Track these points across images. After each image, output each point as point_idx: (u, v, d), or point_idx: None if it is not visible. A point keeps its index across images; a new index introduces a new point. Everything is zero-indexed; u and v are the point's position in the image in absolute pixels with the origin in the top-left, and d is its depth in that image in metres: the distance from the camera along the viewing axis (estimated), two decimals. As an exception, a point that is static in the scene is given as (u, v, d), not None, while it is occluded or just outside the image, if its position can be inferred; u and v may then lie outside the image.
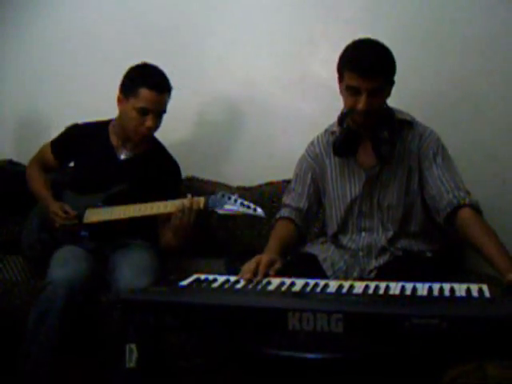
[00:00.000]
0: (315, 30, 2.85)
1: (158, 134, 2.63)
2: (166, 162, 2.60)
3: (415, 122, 2.22)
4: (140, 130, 2.42)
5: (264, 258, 1.96)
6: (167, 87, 2.43)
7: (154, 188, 2.44)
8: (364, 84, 2.01)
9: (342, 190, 2.24)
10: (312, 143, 2.34)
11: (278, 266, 1.95)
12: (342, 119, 2.19)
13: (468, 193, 2.10)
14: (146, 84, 2.37)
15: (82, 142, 2.56)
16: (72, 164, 2.65)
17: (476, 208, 2.06)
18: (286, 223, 2.28)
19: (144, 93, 2.37)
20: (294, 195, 2.32)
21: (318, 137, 2.34)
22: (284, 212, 2.30)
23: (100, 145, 2.52)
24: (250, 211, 2.20)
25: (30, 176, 2.66)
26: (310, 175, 2.31)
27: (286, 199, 2.34)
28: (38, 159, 2.69)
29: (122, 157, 2.51)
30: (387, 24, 2.70)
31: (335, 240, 2.30)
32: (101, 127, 2.57)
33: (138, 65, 2.45)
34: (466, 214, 2.04)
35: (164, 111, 2.45)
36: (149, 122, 2.40)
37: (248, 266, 1.92)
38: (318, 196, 2.33)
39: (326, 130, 2.32)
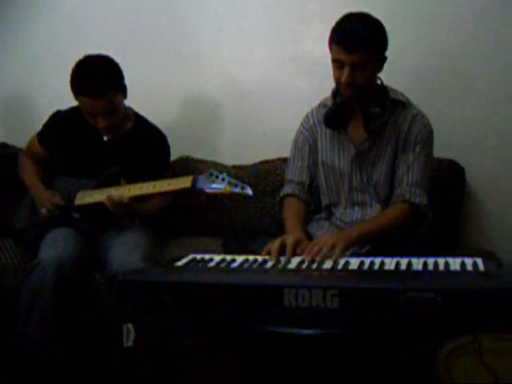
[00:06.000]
0: (308, 7, 2.82)
1: (152, 114, 2.63)
2: (151, 135, 2.59)
3: (409, 103, 2.22)
4: (98, 128, 2.41)
5: (290, 237, 1.96)
6: (100, 92, 2.31)
7: (144, 163, 2.45)
8: (347, 57, 2.03)
9: (331, 161, 2.26)
10: (306, 116, 2.35)
11: (305, 245, 1.96)
12: (335, 93, 2.21)
13: (424, 193, 2.14)
14: (80, 91, 2.34)
15: (66, 127, 2.56)
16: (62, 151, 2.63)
17: (416, 208, 2.12)
18: (293, 200, 2.28)
19: (81, 99, 2.36)
20: (294, 169, 2.33)
21: (312, 110, 2.35)
22: (288, 188, 2.31)
23: (84, 128, 2.50)
24: (238, 189, 2.18)
25: (21, 167, 2.68)
26: (307, 147, 2.31)
27: (288, 174, 2.35)
28: (28, 151, 2.70)
29: (105, 138, 2.48)
30: (381, 1, 2.68)
31: (328, 213, 2.32)
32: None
33: (76, 64, 2.39)
34: (400, 206, 2.13)
35: (111, 111, 2.38)
36: (99, 124, 2.39)
37: (273, 247, 1.92)
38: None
39: (319, 104, 2.33)
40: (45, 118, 2.63)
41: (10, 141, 3.02)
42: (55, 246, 2.30)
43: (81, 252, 2.35)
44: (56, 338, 2.22)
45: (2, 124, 3.19)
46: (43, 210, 2.46)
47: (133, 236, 2.41)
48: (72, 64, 2.39)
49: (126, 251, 2.29)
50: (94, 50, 2.43)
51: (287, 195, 2.29)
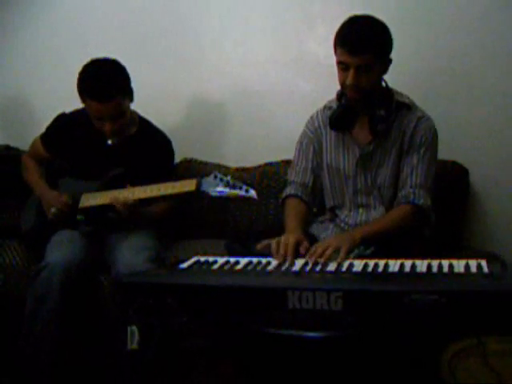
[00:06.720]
0: (312, 8, 2.82)
1: (155, 116, 2.63)
2: (156, 139, 2.59)
3: (414, 106, 2.22)
4: (103, 131, 2.41)
5: (290, 238, 1.95)
6: (108, 96, 2.31)
7: (148, 168, 2.45)
8: (352, 60, 2.04)
9: (336, 163, 2.26)
10: (311, 118, 2.35)
11: (306, 245, 1.95)
12: (340, 95, 2.22)
13: (427, 195, 2.15)
14: (88, 94, 2.34)
15: (70, 130, 2.55)
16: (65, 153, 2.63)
17: (419, 210, 2.12)
18: (295, 201, 2.28)
19: (89, 103, 2.35)
20: (297, 170, 2.33)
21: (317, 112, 2.35)
22: (290, 190, 2.30)
23: (88, 131, 2.49)
24: (243, 192, 2.18)
25: (25, 169, 2.68)
26: (311, 149, 2.31)
27: (291, 176, 2.34)
28: (31, 153, 2.70)
29: (109, 142, 2.47)
30: (384, 2, 2.68)
31: (333, 215, 2.32)
32: (87, 114, 2.55)
33: (84, 68, 2.38)
34: (403, 208, 2.13)
35: (118, 114, 2.37)
36: (106, 127, 2.38)
37: (273, 248, 1.92)
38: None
39: (325, 106, 2.33)
40: (47, 120, 2.63)
41: (12, 143, 3.03)
42: (61, 249, 2.30)
43: (86, 254, 2.35)
44: (61, 340, 2.22)
45: (5, 127, 3.20)
46: (53, 209, 2.45)
47: (139, 238, 2.42)
48: (73, 65, 2.38)
49: (132, 253, 2.30)
50: (95, 52, 2.43)
51: (289, 196, 2.30)
